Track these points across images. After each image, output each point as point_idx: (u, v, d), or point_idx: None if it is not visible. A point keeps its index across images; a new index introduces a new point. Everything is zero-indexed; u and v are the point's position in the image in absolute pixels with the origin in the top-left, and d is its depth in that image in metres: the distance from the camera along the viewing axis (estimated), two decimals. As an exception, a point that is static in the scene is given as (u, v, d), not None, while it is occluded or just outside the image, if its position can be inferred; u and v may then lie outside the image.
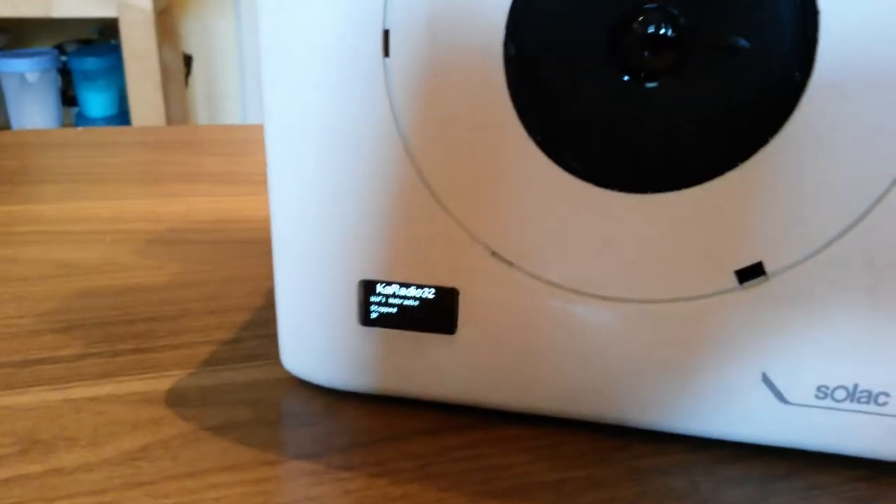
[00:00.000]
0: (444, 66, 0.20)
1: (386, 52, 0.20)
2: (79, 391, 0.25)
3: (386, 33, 0.20)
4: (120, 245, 0.37)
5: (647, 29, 0.19)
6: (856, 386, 0.21)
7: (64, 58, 1.43)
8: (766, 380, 0.22)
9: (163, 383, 0.26)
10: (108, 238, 0.37)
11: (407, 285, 0.23)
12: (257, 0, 0.21)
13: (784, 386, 0.22)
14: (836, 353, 0.21)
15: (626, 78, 0.20)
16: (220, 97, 1.68)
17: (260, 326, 0.29)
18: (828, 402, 0.22)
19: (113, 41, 1.46)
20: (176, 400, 0.25)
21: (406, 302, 0.23)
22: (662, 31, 0.19)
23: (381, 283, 0.23)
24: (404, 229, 0.22)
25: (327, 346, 0.24)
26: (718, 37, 0.19)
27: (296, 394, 0.25)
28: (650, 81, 0.20)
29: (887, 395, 0.21)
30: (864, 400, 0.21)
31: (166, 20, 1.48)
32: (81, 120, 1.41)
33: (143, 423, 0.24)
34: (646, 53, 0.20)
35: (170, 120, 1.41)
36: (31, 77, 1.31)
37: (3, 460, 0.22)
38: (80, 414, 0.24)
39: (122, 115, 1.40)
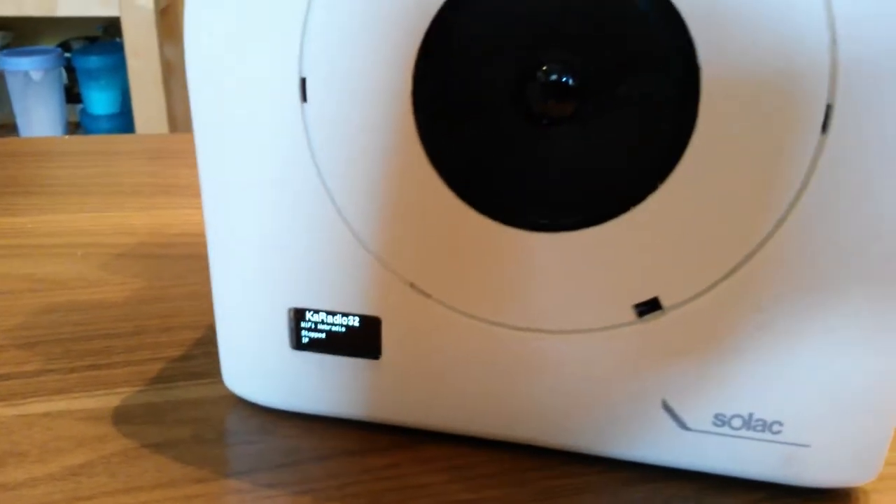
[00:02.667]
0: (357, 112, 0.21)
1: (304, 98, 0.22)
2: (34, 407, 0.27)
3: (303, 81, 0.21)
4: (90, 259, 0.38)
5: (549, 78, 0.21)
6: (751, 415, 0.22)
7: (68, 55, 1.45)
8: (667, 407, 0.23)
9: (112, 400, 0.27)
10: (80, 252, 0.39)
11: (334, 313, 0.24)
12: (185, 46, 0.22)
13: (683, 413, 0.23)
14: (731, 384, 0.22)
15: (529, 124, 0.21)
16: (224, 93, 1.70)
17: (210, 344, 0.31)
18: (725, 430, 0.23)
19: (117, 39, 1.48)
20: (122, 417, 0.26)
21: (334, 328, 0.25)
22: (564, 80, 0.20)
23: (311, 310, 0.24)
24: (328, 263, 0.23)
25: (263, 368, 0.26)
26: (612, 88, 0.20)
27: (235, 412, 0.27)
28: (552, 127, 0.21)
29: (780, 423, 0.22)
30: (759, 428, 0.23)
31: (170, 16, 1.50)
32: (86, 117, 1.43)
33: (88, 439, 0.25)
34: (548, 101, 0.21)
35: (172, 116, 1.43)
36: (36, 75, 1.33)
37: (-46, 475, 0.23)
38: (31, 430, 0.26)
39: (125, 113, 1.42)
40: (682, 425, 0.23)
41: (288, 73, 0.21)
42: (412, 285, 0.23)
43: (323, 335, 0.25)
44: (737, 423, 0.23)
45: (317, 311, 0.24)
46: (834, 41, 0.18)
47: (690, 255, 0.21)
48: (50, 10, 1.30)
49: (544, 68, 0.21)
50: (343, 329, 0.24)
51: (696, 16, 0.19)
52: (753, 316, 0.21)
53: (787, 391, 0.22)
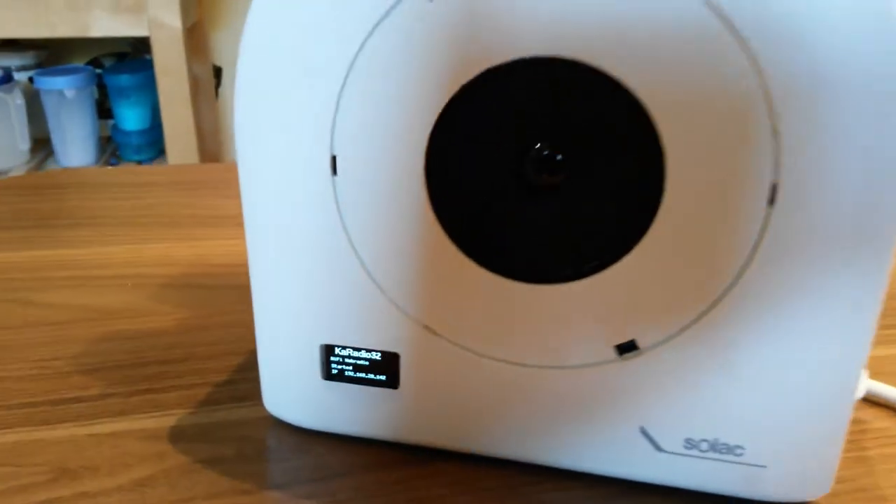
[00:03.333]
0: (378, 183, 0.25)
1: (334, 172, 0.26)
2: (100, 427, 0.31)
3: (333, 158, 0.25)
4: (139, 290, 0.43)
5: (542, 153, 0.24)
6: (716, 439, 0.26)
7: (99, 71, 1.51)
8: (644, 432, 0.27)
9: (167, 421, 0.32)
10: (130, 283, 0.43)
11: (359, 349, 0.28)
12: (235, 121, 0.26)
13: (658, 437, 0.27)
14: (699, 413, 0.26)
15: (525, 193, 0.25)
16: (248, 107, 1.74)
17: (251, 369, 0.35)
18: (695, 452, 0.26)
19: (146, 55, 1.53)
20: (177, 436, 0.31)
21: (359, 362, 0.29)
22: (554, 156, 0.24)
23: (339, 346, 0.28)
24: (354, 307, 0.27)
25: (299, 394, 0.30)
26: (593, 165, 0.24)
27: (274, 432, 0.31)
28: (545, 196, 0.25)
29: (742, 447, 0.26)
30: (724, 451, 0.26)
31: (197, 34, 1.55)
32: (117, 133, 1.49)
33: (149, 455, 0.30)
34: (542, 173, 0.25)
35: (200, 131, 1.48)
36: (69, 93, 1.39)
37: (38, 486, 0.28)
38: (100, 447, 0.30)
39: (155, 128, 1.47)
40: (657, 447, 0.27)
41: (321, 151, 0.25)
42: (426, 327, 0.27)
43: (349, 368, 0.29)
44: (704, 446, 0.26)
45: (344, 347, 0.28)
46: (775, 133, 0.22)
47: (663, 304, 0.25)
48: (82, 31, 1.36)
49: (538, 146, 0.24)
50: (367, 363, 0.28)
51: (659, 111, 0.23)
52: (718, 355, 0.25)
53: (747, 419, 0.26)
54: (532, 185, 0.25)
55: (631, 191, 0.24)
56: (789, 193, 0.23)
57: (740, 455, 0.26)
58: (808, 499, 0.27)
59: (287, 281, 0.28)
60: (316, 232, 0.27)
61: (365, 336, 0.28)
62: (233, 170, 0.67)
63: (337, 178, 0.26)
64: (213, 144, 1.62)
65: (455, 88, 0.24)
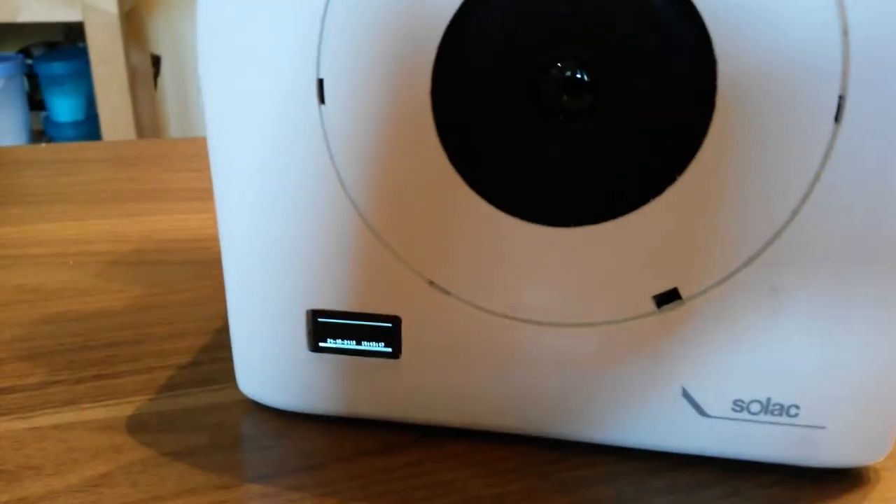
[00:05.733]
0: (375, 112, 0.21)
1: (321, 100, 0.22)
2: (43, 419, 0.27)
3: (320, 82, 0.21)
4: (83, 268, 0.38)
5: (564, 73, 0.21)
6: (769, 399, 0.23)
7: (30, 61, 1.42)
8: (686, 394, 0.23)
9: (124, 409, 0.27)
10: (71, 261, 0.38)
11: (352, 314, 0.24)
12: (197, 44, 0.22)
13: (703, 400, 0.23)
14: (749, 370, 0.23)
15: (546, 120, 0.21)
16: (191, 96, 1.68)
17: (218, 349, 0.30)
18: (744, 415, 0.23)
19: (80, 44, 1.45)
20: (136, 426, 0.26)
21: (353, 329, 0.24)
22: (578, 75, 0.21)
23: (328, 311, 0.24)
24: (346, 262, 0.23)
25: (279, 371, 0.26)
26: (627, 83, 0.20)
27: (251, 416, 0.27)
28: (568, 123, 0.21)
29: (797, 407, 0.23)
30: (777, 412, 0.23)
31: (134, 21, 1.47)
32: (50, 125, 1.40)
33: (104, 449, 0.25)
34: (563, 96, 0.21)
35: (139, 122, 1.40)
36: (-3, 83, 1.30)
37: (-31, 492, 0.23)
38: (44, 442, 0.25)
39: (91, 120, 1.39)
40: (701, 412, 0.23)
41: (305, 74, 0.21)
42: (432, 283, 0.23)
43: (341, 336, 0.25)
44: (755, 408, 0.23)
45: (335, 313, 0.24)
46: (845, 32, 0.19)
47: (709, 246, 0.21)
48: (10, 16, 1.27)
49: (559, 64, 0.21)
50: (362, 329, 0.24)
51: (712, 10, 0.19)
52: (768, 303, 0.22)
53: (802, 375, 0.22)
54: (556, 111, 0.21)
55: (674, 113, 0.20)
56: (857, 110, 0.20)
57: (795, 416, 0.23)
58: (864, 463, 0.24)
59: (265, 236, 0.24)
60: (299, 172, 0.22)
61: (360, 297, 0.24)
62: (173, 144, 0.61)
63: (325, 106, 0.22)
64: (152, 137, 1.54)
65: (468, -9, 0.20)
